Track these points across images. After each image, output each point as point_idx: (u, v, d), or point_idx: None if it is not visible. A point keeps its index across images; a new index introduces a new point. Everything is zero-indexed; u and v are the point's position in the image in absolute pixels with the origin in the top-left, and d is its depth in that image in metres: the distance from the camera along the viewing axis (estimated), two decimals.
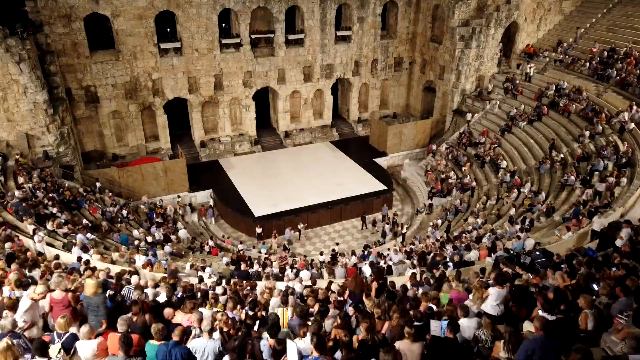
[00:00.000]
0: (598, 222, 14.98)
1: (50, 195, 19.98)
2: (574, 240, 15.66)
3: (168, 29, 30.18)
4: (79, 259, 13.10)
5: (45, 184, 20.98)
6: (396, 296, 9.08)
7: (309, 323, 7.44)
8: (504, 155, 27.85)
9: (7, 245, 13.11)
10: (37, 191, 19.83)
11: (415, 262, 16.49)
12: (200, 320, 7.40)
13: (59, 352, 6.19)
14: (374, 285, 10.03)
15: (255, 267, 17.66)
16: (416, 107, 38.93)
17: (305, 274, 16.10)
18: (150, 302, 9.02)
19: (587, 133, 24.37)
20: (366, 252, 21.13)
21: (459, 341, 6.83)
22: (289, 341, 6.42)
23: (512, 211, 22.13)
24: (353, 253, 21.31)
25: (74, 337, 6.40)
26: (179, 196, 27.73)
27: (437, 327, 6.87)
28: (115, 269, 12.97)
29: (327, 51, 34.35)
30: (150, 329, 6.58)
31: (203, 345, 6.64)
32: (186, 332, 7.11)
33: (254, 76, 32.91)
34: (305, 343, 6.50)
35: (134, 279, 11.10)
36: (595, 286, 8.21)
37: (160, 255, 17.49)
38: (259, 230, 25.32)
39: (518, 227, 19.56)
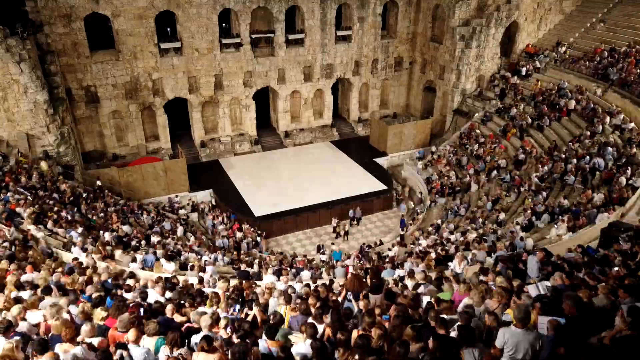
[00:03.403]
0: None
1: (50, 195, 19.98)
2: (577, 240, 15.61)
3: (168, 29, 30.19)
4: (75, 259, 13.03)
5: (45, 184, 20.99)
6: (395, 295, 9.07)
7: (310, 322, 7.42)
8: (505, 155, 27.85)
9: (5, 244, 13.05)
10: (38, 191, 19.83)
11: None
12: (199, 320, 7.39)
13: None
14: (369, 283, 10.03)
15: (256, 268, 17.66)
16: (416, 107, 38.92)
17: (305, 274, 16.11)
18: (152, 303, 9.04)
19: (588, 133, 24.38)
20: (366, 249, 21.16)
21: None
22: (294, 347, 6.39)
23: (502, 215, 22.19)
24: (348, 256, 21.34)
25: None
26: (176, 196, 27.72)
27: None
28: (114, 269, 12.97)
29: (327, 51, 34.35)
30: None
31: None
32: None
33: (254, 76, 32.91)
34: (307, 344, 6.47)
35: (133, 280, 11.11)
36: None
37: (160, 254, 17.47)
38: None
39: (518, 227, 19.57)
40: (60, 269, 11.47)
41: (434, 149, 32.40)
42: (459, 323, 6.57)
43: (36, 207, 17.47)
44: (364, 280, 10.89)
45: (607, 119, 24.31)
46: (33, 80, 22.78)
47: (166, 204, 27.20)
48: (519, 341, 5.75)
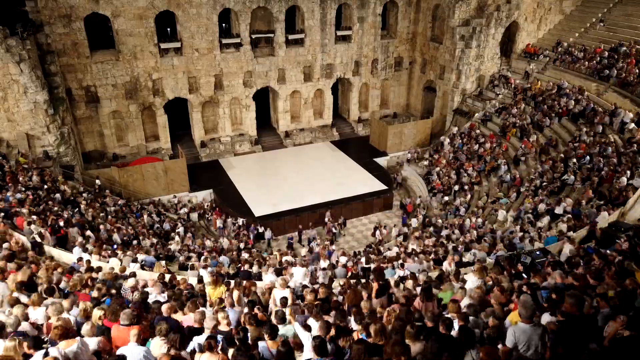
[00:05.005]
0: None
1: (50, 195, 19.98)
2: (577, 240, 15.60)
3: (168, 29, 30.22)
4: (80, 259, 13.11)
5: (45, 184, 20.97)
6: (392, 297, 9.07)
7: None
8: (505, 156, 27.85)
9: (5, 245, 13.05)
10: (38, 191, 19.81)
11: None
12: (202, 319, 7.38)
13: None
14: (375, 286, 10.00)
15: (255, 268, 17.62)
16: (416, 106, 38.94)
17: (299, 271, 15.96)
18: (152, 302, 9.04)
19: (586, 130, 24.37)
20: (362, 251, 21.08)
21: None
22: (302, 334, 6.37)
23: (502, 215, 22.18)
24: (343, 253, 21.25)
25: None
26: (175, 196, 27.73)
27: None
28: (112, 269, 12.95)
29: (327, 51, 34.35)
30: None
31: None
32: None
33: (254, 76, 32.92)
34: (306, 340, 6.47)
35: (132, 280, 11.09)
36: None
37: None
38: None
39: (518, 227, 19.57)
40: (60, 269, 11.49)
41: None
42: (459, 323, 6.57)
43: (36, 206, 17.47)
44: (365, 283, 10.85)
45: (607, 118, 24.31)
46: (33, 80, 22.79)
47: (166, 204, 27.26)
48: (530, 337, 5.67)
